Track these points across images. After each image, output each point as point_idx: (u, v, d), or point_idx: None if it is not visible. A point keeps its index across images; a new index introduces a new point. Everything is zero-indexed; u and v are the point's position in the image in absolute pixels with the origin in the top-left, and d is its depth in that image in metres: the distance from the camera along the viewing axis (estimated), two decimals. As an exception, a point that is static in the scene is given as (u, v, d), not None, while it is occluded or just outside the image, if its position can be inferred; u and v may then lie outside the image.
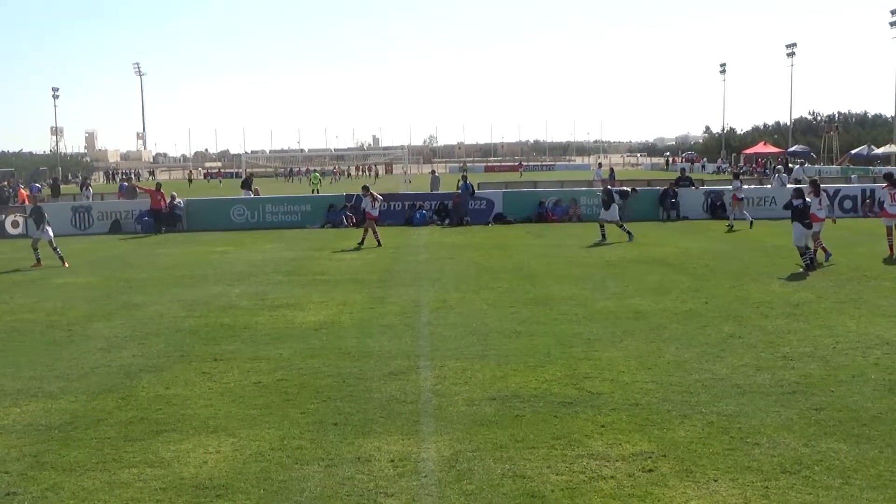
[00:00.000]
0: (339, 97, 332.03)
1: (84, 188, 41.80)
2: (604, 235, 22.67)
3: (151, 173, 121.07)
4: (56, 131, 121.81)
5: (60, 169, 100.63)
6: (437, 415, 7.91)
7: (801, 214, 16.99)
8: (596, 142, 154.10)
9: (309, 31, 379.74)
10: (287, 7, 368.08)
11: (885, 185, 19.90)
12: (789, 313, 12.21)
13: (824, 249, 17.62)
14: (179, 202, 30.98)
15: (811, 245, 17.10)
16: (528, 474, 6.41)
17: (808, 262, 16.61)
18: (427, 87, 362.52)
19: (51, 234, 20.68)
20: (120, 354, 10.72)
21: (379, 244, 22.51)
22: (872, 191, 30.33)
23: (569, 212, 30.15)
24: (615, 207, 22.84)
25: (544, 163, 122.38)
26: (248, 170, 46.02)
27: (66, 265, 20.03)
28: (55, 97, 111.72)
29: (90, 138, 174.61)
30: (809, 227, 17.01)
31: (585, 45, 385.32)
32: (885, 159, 65.19)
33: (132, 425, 7.87)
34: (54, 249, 20.42)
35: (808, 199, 17.21)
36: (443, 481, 6.33)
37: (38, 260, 20.42)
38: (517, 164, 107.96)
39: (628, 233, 22.40)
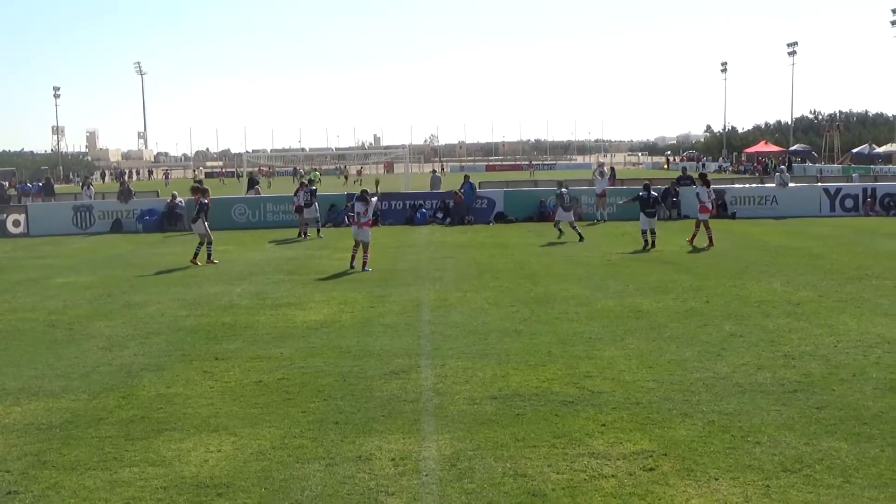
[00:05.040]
0: (340, 96, 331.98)
1: (85, 188, 41.79)
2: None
3: (150, 172, 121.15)
4: (57, 130, 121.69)
5: (62, 168, 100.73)
6: (437, 413, 7.91)
7: (643, 204, 20.59)
8: (597, 141, 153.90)
9: (310, 30, 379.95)
10: (288, 6, 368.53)
11: (700, 184, 22.09)
12: (790, 312, 12.20)
13: (579, 233, 21.96)
14: (180, 202, 31.01)
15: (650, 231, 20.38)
16: (529, 473, 6.40)
17: (649, 244, 20.19)
18: (428, 86, 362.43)
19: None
20: (121, 353, 10.73)
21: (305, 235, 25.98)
22: (874, 189, 30.38)
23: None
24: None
25: (545, 162, 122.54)
26: (253, 169, 48.61)
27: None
28: (56, 96, 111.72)
29: (91, 137, 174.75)
30: (651, 215, 20.42)
31: (586, 45, 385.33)
32: (887, 158, 65.19)
33: (133, 424, 7.87)
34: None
35: (652, 192, 21.21)
36: (444, 480, 6.33)
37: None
38: (520, 163, 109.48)
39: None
